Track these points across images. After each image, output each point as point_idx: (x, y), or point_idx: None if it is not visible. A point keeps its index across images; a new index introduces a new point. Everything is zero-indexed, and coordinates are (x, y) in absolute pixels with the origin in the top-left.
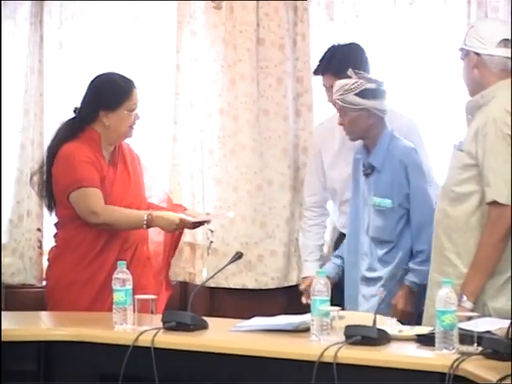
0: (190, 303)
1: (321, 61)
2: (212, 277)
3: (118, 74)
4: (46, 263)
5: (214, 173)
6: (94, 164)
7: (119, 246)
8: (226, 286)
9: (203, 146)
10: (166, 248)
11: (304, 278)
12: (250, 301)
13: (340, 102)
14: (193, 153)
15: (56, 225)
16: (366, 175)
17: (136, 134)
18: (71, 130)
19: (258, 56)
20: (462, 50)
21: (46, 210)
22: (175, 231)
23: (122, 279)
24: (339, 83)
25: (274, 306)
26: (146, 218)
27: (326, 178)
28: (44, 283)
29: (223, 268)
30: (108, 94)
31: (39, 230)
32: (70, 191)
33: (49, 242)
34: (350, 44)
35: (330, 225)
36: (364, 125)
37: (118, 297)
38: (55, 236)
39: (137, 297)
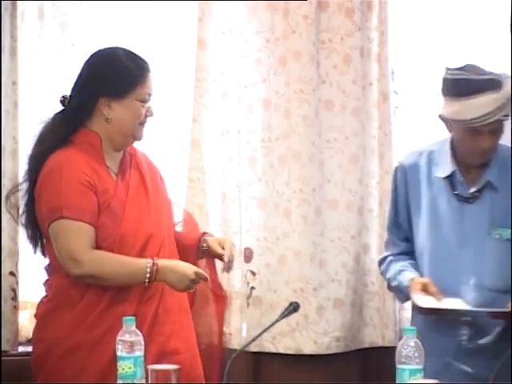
0: (226, 374)
1: None
2: (255, 339)
3: (127, 51)
4: (23, 320)
5: (255, 191)
6: (91, 185)
7: (138, 296)
8: (273, 350)
9: (241, 154)
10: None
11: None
12: (306, 370)
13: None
14: (227, 163)
15: (47, 269)
16: (467, 200)
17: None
18: (63, 131)
19: (319, 26)
20: None
21: (23, 246)
22: (187, 290)
23: (130, 342)
24: (485, 99)
25: (339, 376)
26: (149, 268)
27: None
28: (21, 348)
29: (270, 326)
30: (112, 76)
31: (13, 274)
32: (49, 222)
33: (28, 291)
34: None
35: None
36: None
37: (123, 367)
38: (46, 284)
39: (150, 367)
